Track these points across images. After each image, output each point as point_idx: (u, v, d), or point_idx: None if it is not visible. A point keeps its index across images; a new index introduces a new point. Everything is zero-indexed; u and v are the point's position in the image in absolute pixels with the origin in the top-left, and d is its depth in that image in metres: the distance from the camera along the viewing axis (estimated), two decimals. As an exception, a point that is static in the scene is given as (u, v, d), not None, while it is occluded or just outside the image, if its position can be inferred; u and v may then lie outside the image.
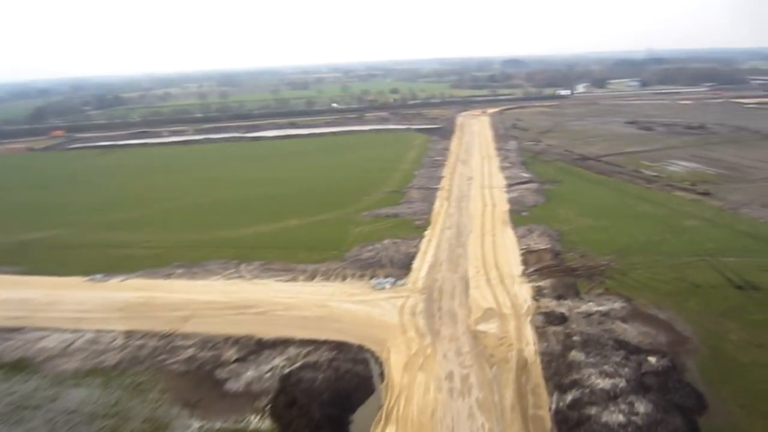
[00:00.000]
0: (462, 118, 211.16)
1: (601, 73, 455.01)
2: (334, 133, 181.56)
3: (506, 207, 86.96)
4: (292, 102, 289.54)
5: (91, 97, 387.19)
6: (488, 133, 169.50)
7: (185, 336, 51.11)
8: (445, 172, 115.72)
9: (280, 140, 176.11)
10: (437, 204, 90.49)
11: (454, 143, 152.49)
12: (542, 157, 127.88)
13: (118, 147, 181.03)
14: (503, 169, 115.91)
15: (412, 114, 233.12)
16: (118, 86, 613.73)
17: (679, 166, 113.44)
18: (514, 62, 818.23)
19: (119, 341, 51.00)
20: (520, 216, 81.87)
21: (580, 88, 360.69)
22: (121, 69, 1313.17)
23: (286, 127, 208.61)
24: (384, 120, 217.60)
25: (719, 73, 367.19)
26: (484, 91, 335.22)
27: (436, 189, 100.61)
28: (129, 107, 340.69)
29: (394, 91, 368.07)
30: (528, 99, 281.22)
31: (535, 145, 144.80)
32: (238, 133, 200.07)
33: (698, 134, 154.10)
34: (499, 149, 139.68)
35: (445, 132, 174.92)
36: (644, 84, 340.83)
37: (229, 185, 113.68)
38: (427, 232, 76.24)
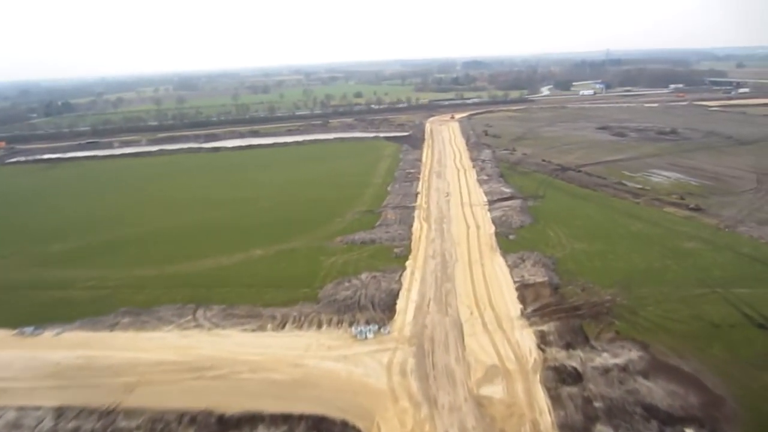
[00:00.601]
0: (431, 125, 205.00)
1: (562, 75, 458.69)
2: (298, 143, 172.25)
3: (491, 229, 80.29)
4: (253, 108, 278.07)
5: (38, 104, 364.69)
6: (460, 141, 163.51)
7: (130, 413, 42.30)
8: (421, 187, 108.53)
9: (241, 151, 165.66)
10: (416, 226, 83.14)
11: (426, 153, 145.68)
12: (520, 168, 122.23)
13: (63, 161, 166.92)
14: (481, 182, 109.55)
15: (378, 120, 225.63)
16: (69, 91, 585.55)
17: (662, 177, 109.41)
18: (474, 63, 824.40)
19: (47, 423, 41.70)
20: (507, 240, 75.30)
21: (545, 90, 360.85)
22: (73, 72, 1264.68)
23: (247, 136, 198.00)
24: (350, 127, 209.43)
25: (678, 75, 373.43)
26: (450, 95, 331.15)
27: (413, 207, 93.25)
28: (79, 114, 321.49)
29: (358, 95, 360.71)
30: (495, 103, 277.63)
31: (511, 154, 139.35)
32: (195, 143, 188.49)
33: (672, 140, 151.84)
34: (474, 159, 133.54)
35: (416, 140, 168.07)
36: (608, 86, 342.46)
37: (185, 206, 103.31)
38: (409, 263, 68.76)
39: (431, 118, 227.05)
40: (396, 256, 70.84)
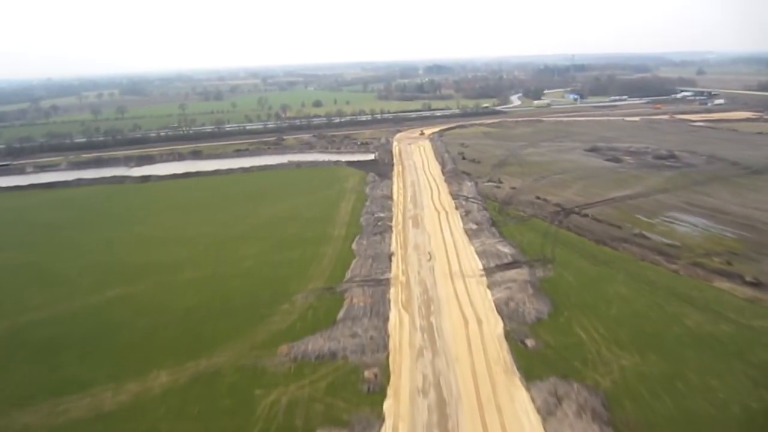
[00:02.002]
0: (398, 143, 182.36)
1: (529, 82, 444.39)
2: (245, 169, 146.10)
3: (498, 326, 57.75)
4: (200, 120, 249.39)
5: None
6: (435, 167, 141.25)
7: None
8: (395, 242, 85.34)
9: (175, 180, 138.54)
10: (393, 320, 59.93)
11: (396, 186, 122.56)
12: (513, 211, 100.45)
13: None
14: (470, 234, 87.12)
15: (339, 137, 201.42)
16: (5, 95, 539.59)
17: (687, 225, 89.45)
18: (437, 68, 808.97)
19: None
20: (525, 348, 53.13)
21: (515, 99, 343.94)
22: (16, 72, 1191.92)
23: (187, 158, 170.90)
24: (307, 146, 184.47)
25: (648, 84, 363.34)
26: (416, 104, 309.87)
27: (387, 282, 69.92)
28: (3, 125, 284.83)
29: (318, 104, 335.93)
30: (465, 115, 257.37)
31: (497, 187, 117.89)
32: (124, 167, 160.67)
33: (673, 167, 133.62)
34: (455, 196, 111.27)
35: (383, 166, 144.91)
36: (581, 96, 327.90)
37: (70, 283, 74.83)
38: (387, 405, 45.43)
39: (398, 134, 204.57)
40: (368, 391, 47.37)
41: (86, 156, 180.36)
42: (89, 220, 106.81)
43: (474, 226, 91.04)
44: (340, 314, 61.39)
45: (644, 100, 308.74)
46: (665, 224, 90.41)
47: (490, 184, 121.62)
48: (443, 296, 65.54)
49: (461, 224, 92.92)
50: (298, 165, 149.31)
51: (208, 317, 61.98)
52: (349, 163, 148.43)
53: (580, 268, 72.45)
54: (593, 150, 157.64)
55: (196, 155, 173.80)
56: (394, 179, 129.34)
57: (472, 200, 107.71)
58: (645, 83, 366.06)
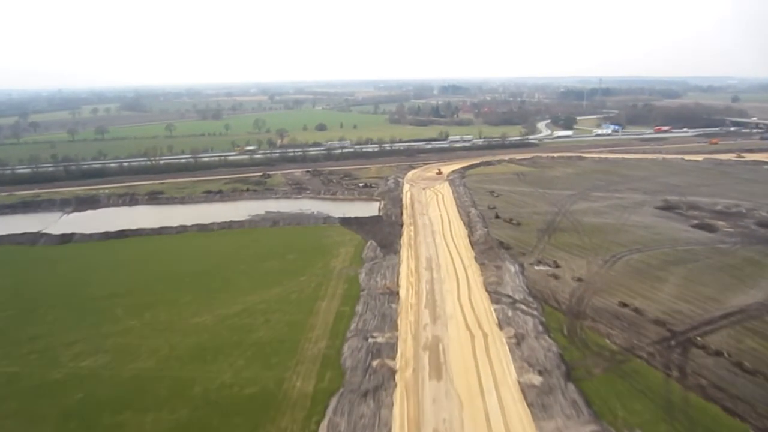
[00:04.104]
0: (411, 188, 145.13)
1: (556, 108, 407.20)
2: (202, 227, 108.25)
3: None
4: (185, 144, 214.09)
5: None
6: (459, 232, 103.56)
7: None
8: (398, 415, 47.36)
9: (103, 243, 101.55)
10: None
11: (406, 269, 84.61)
12: (591, 335, 62.10)
13: None
14: (533, 402, 48.97)
15: (338, 174, 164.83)
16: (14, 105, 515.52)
17: None
18: (452, 88, 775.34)
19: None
20: None
21: (543, 128, 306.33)
22: (28, 84, 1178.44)
23: (142, 202, 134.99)
24: (296, 188, 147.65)
25: (692, 113, 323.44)
26: (431, 131, 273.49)
27: None
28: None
29: (321, 127, 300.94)
30: (490, 147, 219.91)
31: (553, 275, 79.94)
32: (59, 212, 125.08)
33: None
34: (494, 295, 73.08)
35: (389, 227, 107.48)
36: (618, 124, 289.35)
37: None
38: None
39: (411, 173, 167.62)
40: None
41: (22, 193, 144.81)
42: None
43: (535, 380, 52.69)
44: None
45: (692, 131, 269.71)
46: None
47: (542, 268, 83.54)
48: None
49: (512, 371, 54.56)
50: (275, 223, 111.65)
51: None
52: (344, 221, 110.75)
53: None
54: (668, 208, 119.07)
55: (153, 198, 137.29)
56: (403, 253, 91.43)
57: (522, 306, 69.47)
58: (687, 112, 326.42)
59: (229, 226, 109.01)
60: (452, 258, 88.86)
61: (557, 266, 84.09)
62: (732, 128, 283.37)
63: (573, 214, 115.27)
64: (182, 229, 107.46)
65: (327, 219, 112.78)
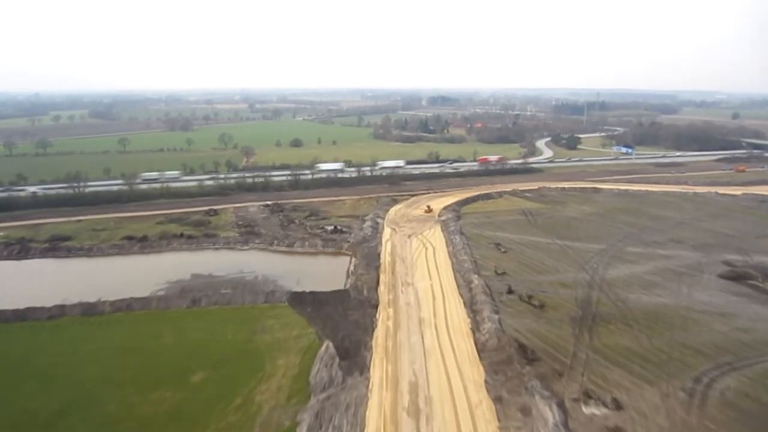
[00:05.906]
0: (392, 234, 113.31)
1: (553, 124, 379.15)
2: (88, 309, 74.88)
3: None
4: (119, 168, 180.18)
5: None
6: (459, 327, 71.56)
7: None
8: None
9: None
10: None
11: (374, 414, 52.34)
12: None
13: None
14: None
15: (304, 211, 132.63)
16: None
17: None
18: (441, 99, 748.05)
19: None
20: None
21: (543, 147, 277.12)
22: (5, 86, 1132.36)
23: (39, 254, 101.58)
24: (247, 231, 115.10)
25: (704, 133, 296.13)
26: (420, 150, 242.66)
27: None
28: None
29: (296, 143, 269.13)
30: (488, 173, 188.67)
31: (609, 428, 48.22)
32: None
33: None
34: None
35: (357, 313, 75.20)
36: (629, 146, 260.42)
37: None
38: None
39: (394, 209, 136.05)
40: None
41: None
42: None
43: None
44: None
45: (712, 155, 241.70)
46: None
47: (593, 411, 51.93)
48: None
49: None
50: (194, 301, 78.11)
51: None
52: (295, 299, 78.05)
53: None
54: (736, 278, 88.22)
55: (54, 248, 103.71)
56: (375, 372, 59.17)
57: None
58: (698, 131, 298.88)
59: (127, 306, 75.79)
60: (450, 384, 56.83)
61: (618, 407, 52.42)
62: (754, 151, 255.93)
63: (612, 286, 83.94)
64: (58, 313, 74.12)
65: (272, 293, 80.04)
